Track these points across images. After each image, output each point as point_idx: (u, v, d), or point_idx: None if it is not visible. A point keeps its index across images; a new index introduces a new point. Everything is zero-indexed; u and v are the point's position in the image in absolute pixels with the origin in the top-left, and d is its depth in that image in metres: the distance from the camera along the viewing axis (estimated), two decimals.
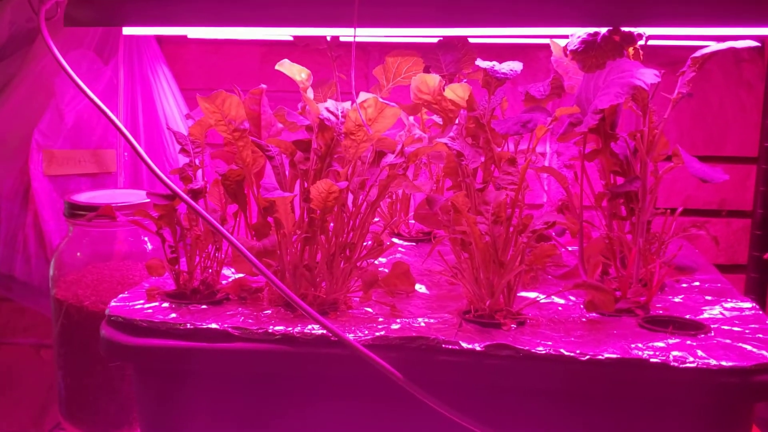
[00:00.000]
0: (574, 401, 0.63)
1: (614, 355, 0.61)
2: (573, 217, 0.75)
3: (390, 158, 0.73)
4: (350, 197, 0.74)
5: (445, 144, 0.71)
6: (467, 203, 0.68)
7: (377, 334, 0.65)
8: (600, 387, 0.61)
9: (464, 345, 0.63)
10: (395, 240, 0.97)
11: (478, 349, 0.63)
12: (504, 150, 0.80)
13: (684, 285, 0.81)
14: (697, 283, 0.82)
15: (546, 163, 1.08)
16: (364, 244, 0.75)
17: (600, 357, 0.61)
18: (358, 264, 0.74)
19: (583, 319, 0.71)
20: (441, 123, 0.87)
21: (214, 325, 0.66)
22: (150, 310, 0.70)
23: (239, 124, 0.72)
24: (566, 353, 0.61)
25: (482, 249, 0.69)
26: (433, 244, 0.79)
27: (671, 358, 0.60)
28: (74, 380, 0.88)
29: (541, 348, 0.62)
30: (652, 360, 0.60)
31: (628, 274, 0.76)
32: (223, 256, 0.77)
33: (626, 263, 0.78)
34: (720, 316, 0.71)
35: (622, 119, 0.80)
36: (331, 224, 0.72)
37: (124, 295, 0.74)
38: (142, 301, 0.72)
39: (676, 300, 0.76)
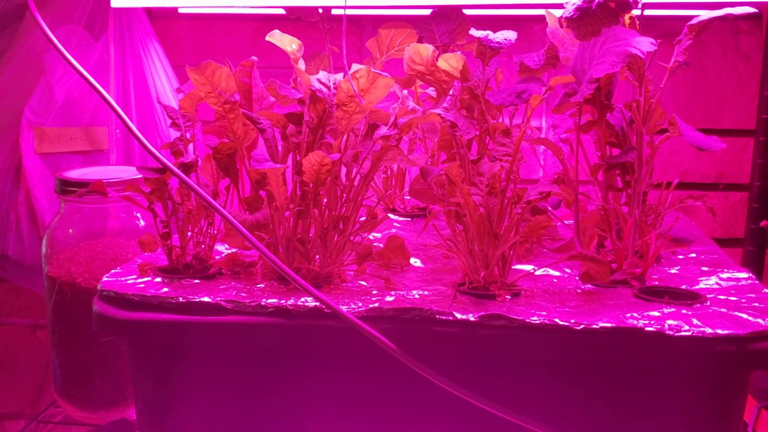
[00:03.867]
0: (569, 371, 0.62)
1: (609, 325, 0.60)
2: (569, 189, 0.74)
3: (383, 130, 0.72)
4: (344, 171, 0.73)
5: (439, 115, 0.70)
6: (461, 174, 0.67)
7: (371, 305, 0.64)
8: (595, 356, 0.61)
9: (458, 316, 0.62)
10: (391, 216, 0.97)
11: (472, 319, 0.62)
12: (499, 123, 0.79)
13: (680, 257, 0.81)
14: (693, 255, 0.81)
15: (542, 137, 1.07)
16: (359, 219, 0.74)
17: (594, 326, 0.60)
18: (351, 238, 0.73)
19: (579, 291, 0.70)
20: (435, 96, 0.86)
21: (206, 299, 0.66)
22: (142, 285, 0.69)
23: (230, 96, 0.71)
24: (561, 323, 0.61)
25: (477, 220, 0.68)
26: (428, 218, 0.78)
27: (666, 326, 0.60)
28: (68, 358, 0.88)
29: (535, 318, 0.62)
30: (647, 329, 0.60)
31: (623, 245, 0.76)
32: (215, 231, 0.76)
33: (622, 235, 0.77)
34: (716, 286, 0.71)
35: (617, 91, 0.79)
36: (325, 198, 0.71)
37: (116, 271, 0.74)
38: (134, 277, 0.72)
39: (672, 271, 0.76)
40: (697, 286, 0.71)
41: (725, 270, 0.75)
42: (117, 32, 1.05)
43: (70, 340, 0.87)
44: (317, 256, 0.72)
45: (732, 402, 0.62)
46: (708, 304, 0.65)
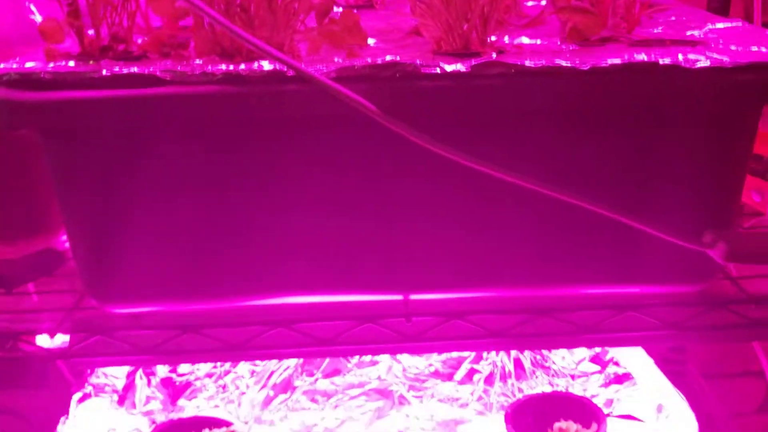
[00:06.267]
0: (573, 119, 0.55)
1: (619, 61, 0.53)
2: None
3: None
4: None
5: None
6: None
7: (341, 66, 0.54)
8: (603, 99, 0.54)
9: (447, 68, 0.53)
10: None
11: (463, 70, 0.53)
12: None
13: (660, 20, 0.74)
14: (673, 18, 0.74)
15: None
16: None
17: (603, 65, 0.53)
18: None
19: (566, 48, 0.62)
20: None
21: (136, 69, 0.53)
22: (53, 66, 0.56)
23: None
24: (565, 64, 0.53)
25: None
26: None
27: (681, 59, 0.53)
28: None
29: (533, 63, 0.53)
30: (661, 62, 0.53)
31: (604, 4, 0.68)
32: (134, 6, 0.63)
33: None
34: (712, 35, 0.64)
35: None
36: None
37: (12, 61, 0.60)
38: (38, 63, 0.58)
39: (656, 31, 0.69)
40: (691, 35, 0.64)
41: (715, 23, 0.69)
42: None
43: None
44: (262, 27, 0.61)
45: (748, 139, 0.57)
46: (713, 46, 0.59)
